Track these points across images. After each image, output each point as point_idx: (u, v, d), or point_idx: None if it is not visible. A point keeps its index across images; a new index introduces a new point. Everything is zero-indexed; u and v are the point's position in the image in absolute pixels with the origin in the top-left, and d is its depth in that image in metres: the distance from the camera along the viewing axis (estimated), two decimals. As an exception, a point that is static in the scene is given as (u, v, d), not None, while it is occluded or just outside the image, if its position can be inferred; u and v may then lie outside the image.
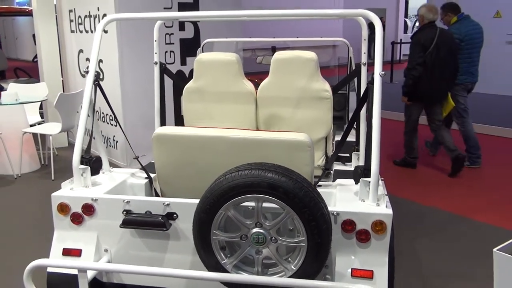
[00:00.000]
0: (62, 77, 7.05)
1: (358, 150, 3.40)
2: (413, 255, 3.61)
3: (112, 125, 5.86)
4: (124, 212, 2.40)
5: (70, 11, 6.44)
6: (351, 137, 4.15)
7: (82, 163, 2.57)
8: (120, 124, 3.07)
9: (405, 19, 22.09)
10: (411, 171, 5.65)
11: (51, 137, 5.53)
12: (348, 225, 2.22)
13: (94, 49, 2.70)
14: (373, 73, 2.42)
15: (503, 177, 5.36)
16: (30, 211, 4.65)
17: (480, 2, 10.37)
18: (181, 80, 4.13)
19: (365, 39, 3.25)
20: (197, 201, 2.23)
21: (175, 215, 2.37)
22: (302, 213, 2.01)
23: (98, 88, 2.77)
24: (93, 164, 2.61)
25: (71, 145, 6.99)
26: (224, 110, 3.34)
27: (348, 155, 3.50)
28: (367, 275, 2.21)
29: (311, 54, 3.14)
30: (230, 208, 2.09)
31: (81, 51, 6.41)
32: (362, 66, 3.24)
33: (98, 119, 6.24)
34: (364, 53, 3.25)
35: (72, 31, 6.50)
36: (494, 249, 1.71)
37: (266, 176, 2.02)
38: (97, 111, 6.25)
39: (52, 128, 5.64)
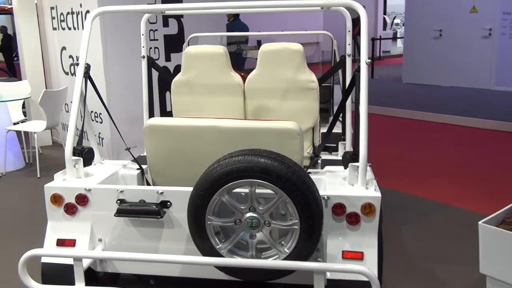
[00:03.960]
0: (44, 75, 7.00)
1: (344, 140, 3.48)
2: (399, 240, 3.71)
3: (97, 122, 5.84)
4: (118, 202, 2.43)
5: (52, 8, 6.39)
6: (337, 129, 4.24)
7: (74, 154, 2.59)
8: (112, 117, 3.08)
9: (384, 16, 22.37)
10: (393, 163, 5.77)
11: (36, 134, 5.49)
12: (339, 209, 2.29)
13: (84, 41, 2.72)
14: (359, 61, 2.49)
15: (480, 168, 5.52)
16: (18, 208, 4.62)
17: (456, -2, 10.60)
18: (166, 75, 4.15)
19: (349, 31, 3.33)
20: (190, 189, 2.27)
21: (168, 203, 2.41)
22: (295, 197, 2.07)
23: (88, 80, 2.78)
24: (85, 155, 2.64)
25: (55, 144, 6.96)
26: (212, 102, 3.38)
27: (334, 145, 3.57)
28: (358, 256, 2.28)
29: (297, 46, 3.21)
30: (224, 193, 2.14)
31: (63, 48, 6.36)
32: (346, 57, 3.31)
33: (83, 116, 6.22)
34: (349, 44, 3.33)
35: (54, 29, 6.45)
36: (480, 222, 1.79)
37: (259, 161, 2.07)
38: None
39: (36, 126, 5.60)
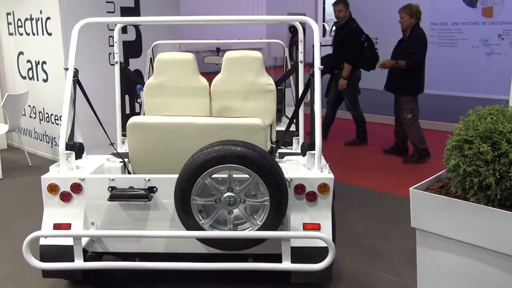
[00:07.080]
0: (-2, 79, 7.06)
1: (298, 135, 3.98)
2: (346, 222, 4.25)
3: (58, 124, 6.04)
4: (110, 189, 2.78)
5: (8, 13, 6.51)
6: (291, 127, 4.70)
7: (67, 149, 2.91)
8: (99, 119, 3.36)
9: (324, 23, 23.39)
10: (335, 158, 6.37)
11: (-2, 137, 5.62)
12: (299, 189, 2.77)
13: (72, 49, 3.05)
14: (313, 68, 3.00)
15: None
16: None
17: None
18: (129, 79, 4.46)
19: (301, 41, 3.84)
20: (174, 176, 2.68)
21: (155, 189, 2.80)
22: (266, 178, 2.54)
23: (77, 84, 3.10)
24: (77, 150, 2.97)
25: (10, 147, 7.03)
26: (181, 103, 3.79)
27: (289, 140, 4.07)
28: (316, 227, 2.77)
29: (257, 54, 3.69)
30: (207, 177, 2.57)
31: (21, 53, 6.50)
32: (299, 63, 3.82)
33: (43, 119, 6.39)
34: (301, 52, 3.84)
35: (11, 34, 6.58)
36: (410, 188, 2.31)
37: (236, 150, 2.52)
38: (41, 111, 6.39)
39: (-2, 128, 5.73)
